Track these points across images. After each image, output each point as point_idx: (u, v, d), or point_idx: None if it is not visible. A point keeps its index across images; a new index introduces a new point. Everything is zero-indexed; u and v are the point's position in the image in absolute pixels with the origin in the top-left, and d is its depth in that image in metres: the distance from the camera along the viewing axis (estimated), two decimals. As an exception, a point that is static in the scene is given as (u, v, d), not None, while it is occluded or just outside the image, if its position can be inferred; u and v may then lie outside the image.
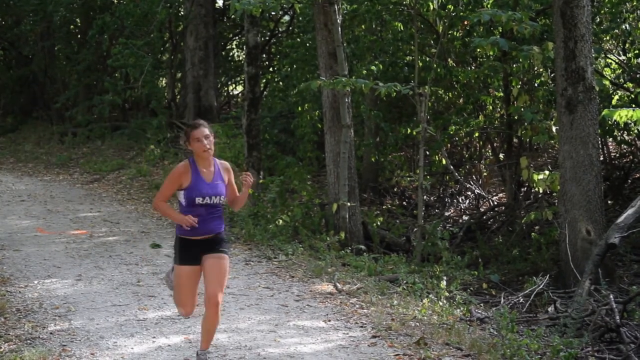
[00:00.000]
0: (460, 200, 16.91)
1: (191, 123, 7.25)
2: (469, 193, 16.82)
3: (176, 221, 7.08)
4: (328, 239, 12.49)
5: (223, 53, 27.37)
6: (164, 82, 26.49)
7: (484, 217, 15.36)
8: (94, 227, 14.02)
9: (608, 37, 14.99)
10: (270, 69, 24.84)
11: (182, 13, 24.62)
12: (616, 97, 14.34)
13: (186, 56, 23.79)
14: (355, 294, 9.90)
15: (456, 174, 15.74)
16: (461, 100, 16.14)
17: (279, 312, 9.14)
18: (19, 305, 9.16)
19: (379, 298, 9.68)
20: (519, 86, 14.26)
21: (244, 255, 12.01)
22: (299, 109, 17.48)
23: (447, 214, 16.23)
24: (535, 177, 12.29)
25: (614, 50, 15.89)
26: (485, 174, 16.94)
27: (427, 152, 15.31)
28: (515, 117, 14.27)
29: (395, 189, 17.72)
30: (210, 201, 6.98)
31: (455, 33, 15.46)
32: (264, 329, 8.46)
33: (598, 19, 14.45)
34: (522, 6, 13.71)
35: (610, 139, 15.37)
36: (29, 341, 7.91)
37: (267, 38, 25.26)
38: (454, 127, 15.57)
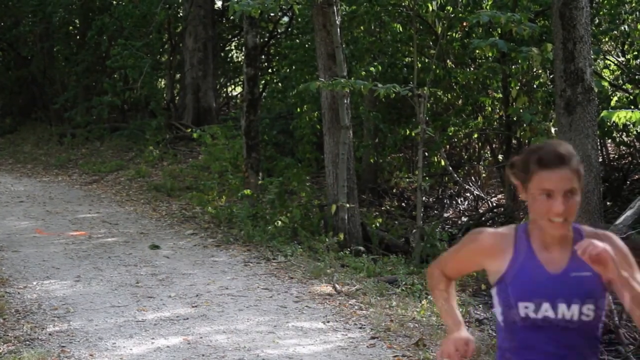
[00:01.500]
0: (459, 202, 16.91)
1: (543, 152, 3.36)
2: (468, 194, 16.82)
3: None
4: (327, 240, 12.48)
5: (222, 54, 27.36)
6: (163, 83, 26.50)
7: (483, 219, 15.35)
8: (93, 228, 14.01)
9: (607, 39, 15.01)
10: (269, 70, 24.86)
11: (181, 14, 24.64)
12: (615, 98, 14.35)
13: (185, 57, 23.79)
14: (354, 295, 9.90)
15: (455, 175, 15.74)
16: (460, 102, 16.15)
17: (277, 313, 9.14)
18: (18, 306, 9.16)
19: (377, 299, 9.68)
20: (518, 87, 14.27)
21: (243, 257, 12.01)
22: (298, 110, 17.48)
23: (446, 215, 16.23)
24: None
25: (612, 52, 15.90)
26: (484, 175, 16.94)
27: (426, 154, 15.31)
28: (514, 119, 14.28)
29: (394, 190, 17.72)
30: (557, 314, 3.35)
31: (454, 34, 15.46)
32: (263, 330, 8.46)
33: (597, 21, 14.47)
34: (521, 7, 13.72)
35: (609, 141, 15.38)
36: (27, 342, 7.91)
37: (266, 39, 25.28)
38: (452, 128, 15.57)
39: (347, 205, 12.87)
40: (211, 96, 23.65)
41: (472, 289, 10.93)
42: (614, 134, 14.45)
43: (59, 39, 26.83)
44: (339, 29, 13.02)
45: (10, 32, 27.18)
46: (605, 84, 14.18)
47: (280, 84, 20.57)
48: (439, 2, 14.06)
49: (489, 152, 16.97)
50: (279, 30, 26.16)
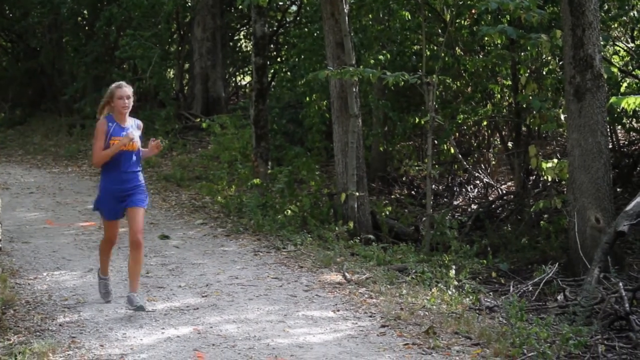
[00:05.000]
0: (469, 189, 16.89)
1: None
2: (478, 182, 16.80)
3: None
4: (337, 228, 12.48)
5: (231, 44, 27.33)
6: (171, 73, 26.49)
7: (493, 206, 15.33)
8: (103, 218, 14.03)
9: (616, 25, 14.93)
10: (278, 59, 24.81)
11: (189, 4, 24.61)
12: (624, 84, 14.29)
13: (194, 47, 23.78)
14: (364, 283, 9.90)
15: (465, 162, 15.72)
16: (469, 89, 16.10)
17: (287, 302, 9.15)
18: (28, 297, 9.18)
19: (387, 287, 9.68)
20: (527, 74, 14.22)
21: (253, 246, 12.01)
22: (307, 99, 17.46)
23: (455, 203, 16.21)
24: (544, 165, 12.26)
25: (622, 38, 15.84)
26: (493, 162, 16.92)
27: (436, 141, 15.28)
28: (524, 106, 14.23)
29: (403, 179, 17.70)
30: None
31: (462, 22, 15.42)
32: (273, 319, 8.47)
33: (606, 7, 14.39)
34: (530, -6, 13.66)
35: (619, 127, 15.33)
36: (38, 333, 7.93)
37: (275, 28, 25.22)
38: (462, 116, 15.54)
39: (357, 193, 12.86)
40: (220, 86, 23.64)
41: (483, 276, 10.92)
42: (624, 120, 14.41)
43: (67, 30, 26.84)
44: (347, 18, 13.00)
45: (19, 24, 27.19)
46: (615, 70, 14.12)
47: (289, 73, 20.54)
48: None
49: (498, 140, 16.94)
50: (288, 19, 26.12)
